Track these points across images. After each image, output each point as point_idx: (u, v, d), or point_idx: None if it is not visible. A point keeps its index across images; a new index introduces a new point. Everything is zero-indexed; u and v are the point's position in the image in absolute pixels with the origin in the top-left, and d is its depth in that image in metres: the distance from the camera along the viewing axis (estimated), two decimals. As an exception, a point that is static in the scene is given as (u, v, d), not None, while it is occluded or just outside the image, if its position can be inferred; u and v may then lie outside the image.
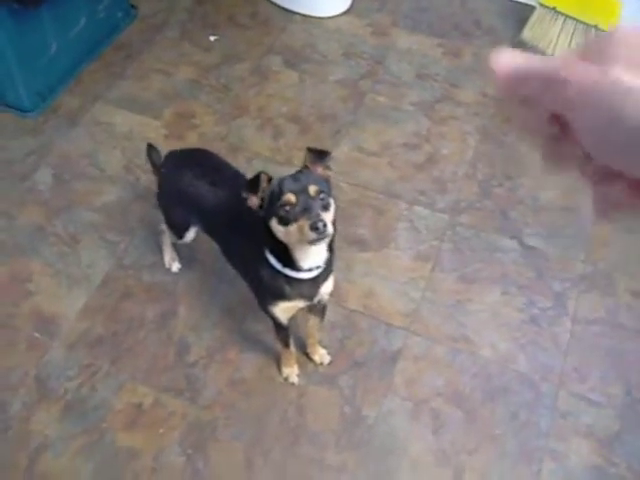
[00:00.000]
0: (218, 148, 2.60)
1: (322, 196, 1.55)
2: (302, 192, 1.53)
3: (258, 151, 2.63)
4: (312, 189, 1.54)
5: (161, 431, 2.00)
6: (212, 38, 2.97)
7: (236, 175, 1.99)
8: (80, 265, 2.30)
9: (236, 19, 3.13)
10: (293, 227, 1.54)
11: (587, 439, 2.09)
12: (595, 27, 2.86)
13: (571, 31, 2.94)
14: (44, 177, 2.51)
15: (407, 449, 2.04)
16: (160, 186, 2.10)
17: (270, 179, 1.61)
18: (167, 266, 2.31)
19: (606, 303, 2.38)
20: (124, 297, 2.23)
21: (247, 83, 2.85)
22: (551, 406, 2.16)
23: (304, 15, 3.11)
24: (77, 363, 2.10)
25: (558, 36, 2.98)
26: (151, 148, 2.20)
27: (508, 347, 2.25)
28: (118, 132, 2.66)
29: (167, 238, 2.25)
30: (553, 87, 0.50)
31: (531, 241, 2.48)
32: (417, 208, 2.52)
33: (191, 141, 2.62)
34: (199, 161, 2.05)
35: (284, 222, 1.55)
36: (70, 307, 2.20)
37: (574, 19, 2.92)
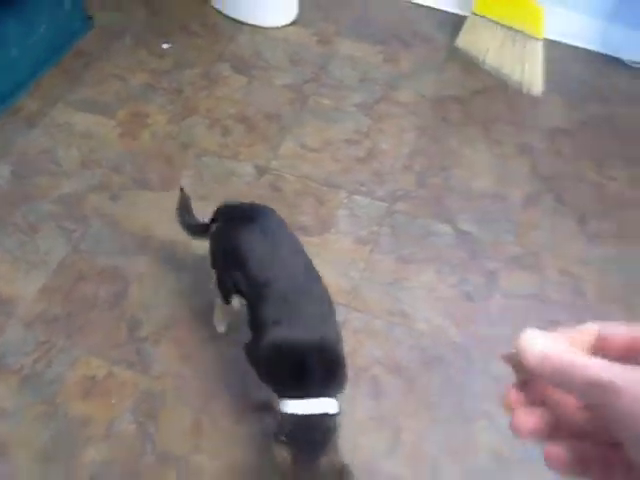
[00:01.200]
0: (170, 145, 2.77)
1: None
2: None
3: (207, 147, 2.79)
4: None
5: (113, 401, 2.11)
6: (165, 46, 3.15)
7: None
8: (38, 252, 2.42)
9: (188, 29, 3.32)
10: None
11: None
12: (522, 32, 3.10)
13: (501, 37, 3.17)
14: (3, 172, 2.64)
15: (348, 413, 2.17)
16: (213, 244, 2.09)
17: None
18: (215, 324, 2.30)
19: (535, 280, 2.56)
20: (79, 279, 2.35)
21: (198, 86, 3.02)
22: (485, 371, 2.31)
23: (252, 25, 3.31)
24: (34, 340, 2.21)
25: (489, 42, 3.21)
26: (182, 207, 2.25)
27: (443, 320, 2.41)
28: (76, 131, 2.80)
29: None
30: (593, 392, 0.44)
31: (464, 226, 2.66)
32: (357, 197, 2.70)
33: (144, 138, 2.78)
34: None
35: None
36: (28, 289, 2.32)
37: (504, 26, 3.15)
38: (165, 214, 2.40)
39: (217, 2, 3.38)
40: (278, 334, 1.80)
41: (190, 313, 2.32)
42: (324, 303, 1.93)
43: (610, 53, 3.37)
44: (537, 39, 3.06)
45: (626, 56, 3.34)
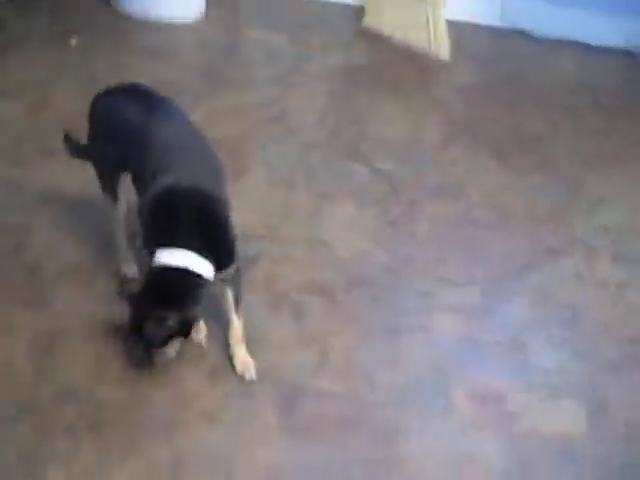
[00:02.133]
0: (75, 124, 2.71)
1: None
2: None
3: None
4: None
5: (10, 339, 1.93)
6: (73, 42, 3.15)
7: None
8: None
9: (95, 28, 3.34)
10: None
11: (453, 314, 2.11)
12: (424, 2, 3.18)
13: (404, 10, 3.25)
14: None
15: (268, 336, 2.00)
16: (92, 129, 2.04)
17: None
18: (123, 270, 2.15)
19: (460, 205, 2.50)
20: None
21: (105, 74, 2.99)
22: (414, 289, 2.19)
23: (160, 21, 3.35)
24: None
25: (394, 17, 3.28)
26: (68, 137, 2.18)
27: (367, 246, 2.30)
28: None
29: (120, 229, 2.11)
30: None
31: (382, 165, 2.62)
32: (272, 147, 2.66)
33: (48, 117, 2.72)
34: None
35: None
36: None
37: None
38: (71, 175, 2.32)
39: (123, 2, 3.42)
40: (159, 185, 1.74)
41: (94, 257, 2.17)
42: (209, 161, 1.90)
43: (511, 26, 3.48)
44: (439, 6, 3.15)
45: (526, 27, 3.44)
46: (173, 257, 1.69)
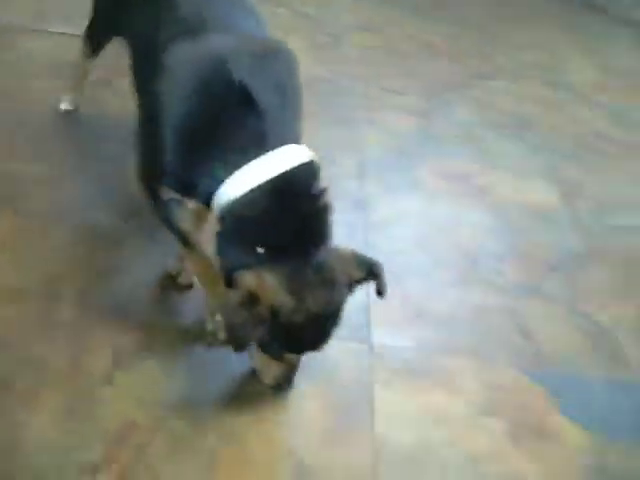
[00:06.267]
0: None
1: None
2: None
3: None
4: None
5: None
6: None
7: None
8: None
9: None
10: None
11: (404, 113, 2.02)
12: None
13: None
14: None
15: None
16: None
17: None
18: (61, 102, 1.72)
19: (380, 37, 2.43)
20: None
21: None
22: (361, 94, 2.07)
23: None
24: None
25: None
26: None
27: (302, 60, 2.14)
28: None
29: (83, 62, 1.66)
30: None
31: (302, 9, 2.49)
32: None
33: None
34: None
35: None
36: None
37: None
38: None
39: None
40: (188, 47, 1.10)
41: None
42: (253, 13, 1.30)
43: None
44: None
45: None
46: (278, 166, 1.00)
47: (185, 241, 1.17)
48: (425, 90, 2.15)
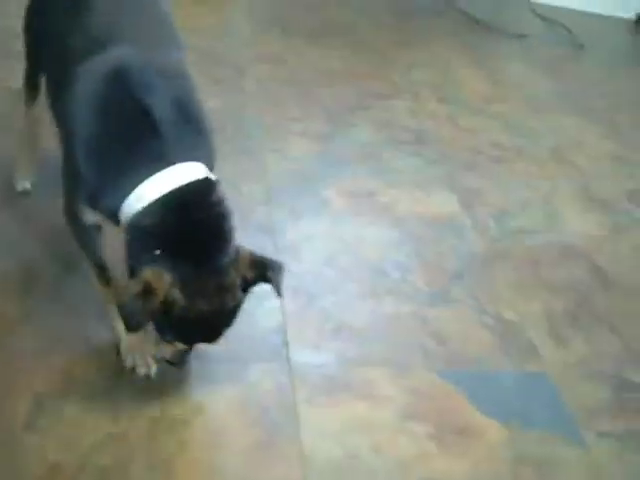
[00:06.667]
0: None
1: None
2: None
3: None
4: None
5: None
6: None
7: None
8: None
9: None
10: None
11: (303, 138, 2.07)
12: None
13: None
14: None
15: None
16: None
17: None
18: (17, 182, 1.63)
19: (281, 69, 2.47)
20: None
21: None
22: (258, 124, 2.10)
23: None
24: None
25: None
26: None
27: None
28: None
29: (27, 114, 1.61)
30: None
31: (198, 44, 2.51)
32: None
33: None
34: None
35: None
36: None
37: None
38: None
39: None
40: (102, 62, 1.14)
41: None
42: (167, 26, 1.34)
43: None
44: None
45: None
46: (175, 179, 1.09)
47: (101, 269, 1.25)
48: (326, 115, 2.21)
